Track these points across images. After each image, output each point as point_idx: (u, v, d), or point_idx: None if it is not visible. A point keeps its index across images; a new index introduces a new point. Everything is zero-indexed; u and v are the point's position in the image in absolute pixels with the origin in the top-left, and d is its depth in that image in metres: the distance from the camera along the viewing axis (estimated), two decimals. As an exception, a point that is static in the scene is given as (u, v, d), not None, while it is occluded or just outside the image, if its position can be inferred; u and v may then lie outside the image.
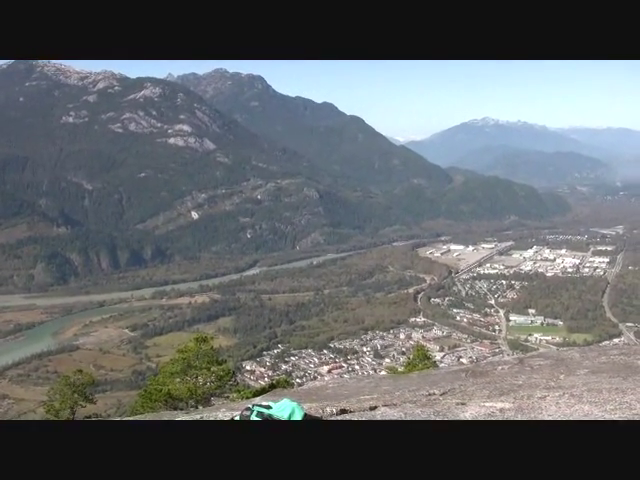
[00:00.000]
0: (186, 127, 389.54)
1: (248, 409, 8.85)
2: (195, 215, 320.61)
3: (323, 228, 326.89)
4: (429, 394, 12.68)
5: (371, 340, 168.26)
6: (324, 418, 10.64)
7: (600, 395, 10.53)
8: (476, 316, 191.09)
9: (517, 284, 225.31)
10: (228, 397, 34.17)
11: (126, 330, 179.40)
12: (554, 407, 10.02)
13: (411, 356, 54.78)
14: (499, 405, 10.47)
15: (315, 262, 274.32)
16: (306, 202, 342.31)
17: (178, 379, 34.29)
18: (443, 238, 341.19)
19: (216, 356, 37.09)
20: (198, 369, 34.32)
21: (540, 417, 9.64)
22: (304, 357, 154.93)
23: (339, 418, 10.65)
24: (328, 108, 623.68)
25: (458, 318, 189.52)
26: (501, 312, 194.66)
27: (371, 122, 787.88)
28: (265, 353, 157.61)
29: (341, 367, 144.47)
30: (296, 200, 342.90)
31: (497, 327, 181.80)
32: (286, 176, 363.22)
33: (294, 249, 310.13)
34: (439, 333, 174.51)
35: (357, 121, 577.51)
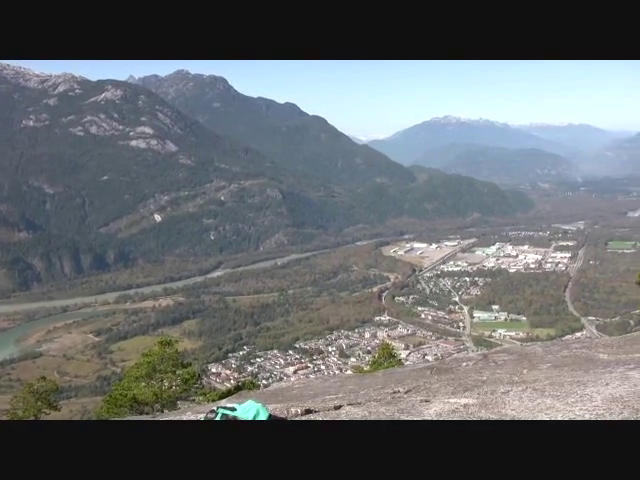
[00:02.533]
0: (148, 129, 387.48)
1: (213, 411, 8.81)
2: (158, 218, 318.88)
3: (287, 228, 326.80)
4: (394, 392, 12.77)
5: (336, 340, 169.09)
6: (289, 419, 10.67)
7: (562, 388, 10.72)
8: (440, 313, 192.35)
9: (480, 281, 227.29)
10: (194, 400, 34.17)
11: (90, 335, 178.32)
12: (517, 402, 10.18)
13: (376, 355, 55.05)
14: (463, 401, 10.61)
15: (279, 263, 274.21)
16: (269, 202, 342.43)
17: (143, 383, 34.14)
18: (407, 236, 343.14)
19: (181, 359, 36.93)
20: (163, 373, 34.22)
21: (504, 412, 9.80)
22: (270, 358, 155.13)
23: (303, 418, 10.74)
24: (290, 108, 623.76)
25: (423, 316, 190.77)
26: (465, 309, 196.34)
27: (334, 122, 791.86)
28: (231, 355, 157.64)
29: (307, 367, 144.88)
30: (259, 201, 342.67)
31: (461, 324, 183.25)
32: (249, 177, 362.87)
33: (258, 250, 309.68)
34: (404, 331, 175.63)
35: (319, 121, 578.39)
